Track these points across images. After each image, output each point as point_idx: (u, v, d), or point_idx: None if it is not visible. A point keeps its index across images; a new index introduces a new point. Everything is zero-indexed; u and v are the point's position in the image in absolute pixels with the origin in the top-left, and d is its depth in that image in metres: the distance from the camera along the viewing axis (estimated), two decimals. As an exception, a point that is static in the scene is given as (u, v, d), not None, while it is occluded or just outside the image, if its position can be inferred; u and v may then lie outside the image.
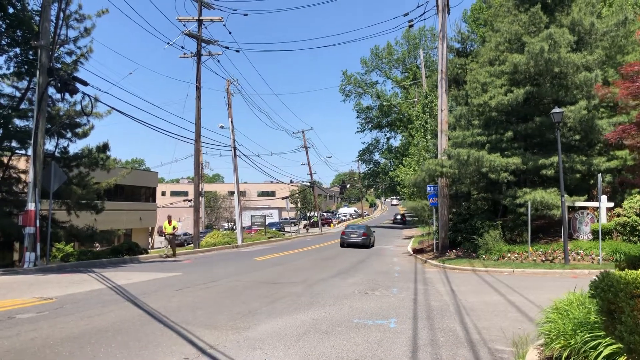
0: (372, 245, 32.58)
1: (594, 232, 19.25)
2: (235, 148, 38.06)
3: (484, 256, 19.70)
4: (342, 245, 31.90)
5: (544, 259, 18.20)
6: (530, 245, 19.13)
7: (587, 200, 20.02)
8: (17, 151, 22.71)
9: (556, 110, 17.23)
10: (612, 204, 19.26)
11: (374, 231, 36.25)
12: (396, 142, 76.35)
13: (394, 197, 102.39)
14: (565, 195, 17.75)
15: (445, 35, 24.16)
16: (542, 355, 5.62)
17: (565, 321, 5.50)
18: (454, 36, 30.05)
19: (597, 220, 18.88)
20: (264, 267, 17.98)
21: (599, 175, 17.60)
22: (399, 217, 76.35)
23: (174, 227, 24.99)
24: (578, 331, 5.15)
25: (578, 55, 19.13)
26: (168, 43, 30.78)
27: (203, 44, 31.25)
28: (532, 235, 19.75)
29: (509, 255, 19.04)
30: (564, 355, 5.12)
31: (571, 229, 20.06)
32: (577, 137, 19.67)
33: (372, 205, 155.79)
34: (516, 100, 19.68)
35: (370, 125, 77.57)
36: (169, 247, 24.77)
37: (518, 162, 19.25)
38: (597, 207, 18.85)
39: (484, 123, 21.54)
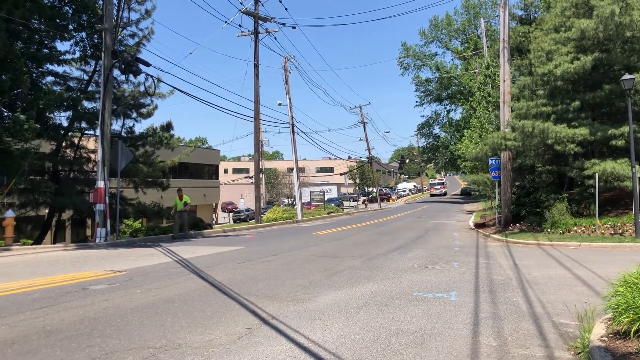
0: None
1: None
2: (293, 125, 38.35)
3: (548, 230, 19.12)
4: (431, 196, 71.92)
5: (613, 232, 17.47)
6: (599, 218, 18.36)
7: (661, 171, 19.00)
8: (86, 132, 23.87)
9: (627, 76, 16.30)
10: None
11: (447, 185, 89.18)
12: (456, 115, 74.79)
13: (436, 183, 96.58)
14: (637, 166, 16.91)
15: (507, 3, 23.22)
16: (610, 330, 5.43)
17: (634, 294, 5.27)
18: (517, 3, 29.04)
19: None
20: (323, 241, 18.17)
21: (675, 145, 16.66)
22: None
23: (185, 203, 20.84)
24: (648, 304, 4.94)
25: (652, 17, 18.02)
26: (226, 22, 31.16)
27: (260, 22, 31.51)
28: (601, 208, 18.95)
29: (576, 228, 18.39)
30: (633, 329, 4.92)
31: (643, 202, 19.12)
32: (651, 104, 18.66)
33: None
34: (583, 68, 18.78)
35: (429, 99, 76.10)
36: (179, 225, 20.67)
37: (585, 132, 18.44)
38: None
39: (549, 93, 20.72)
